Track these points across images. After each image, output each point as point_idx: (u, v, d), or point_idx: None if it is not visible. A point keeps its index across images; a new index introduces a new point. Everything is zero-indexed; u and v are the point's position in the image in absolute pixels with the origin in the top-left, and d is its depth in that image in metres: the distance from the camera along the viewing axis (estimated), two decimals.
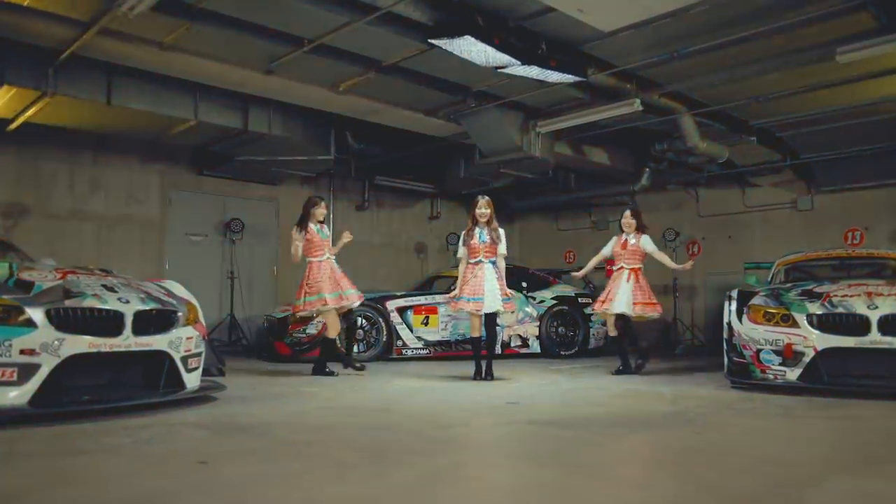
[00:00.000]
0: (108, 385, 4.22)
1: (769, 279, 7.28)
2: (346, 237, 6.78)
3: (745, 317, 5.68)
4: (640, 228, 6.89)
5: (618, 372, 6.76)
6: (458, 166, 10.23)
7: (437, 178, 11.69)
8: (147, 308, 4.17)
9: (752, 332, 5.53)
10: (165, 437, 3.30)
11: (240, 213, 10.73)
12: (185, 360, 4.39)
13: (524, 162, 8.99)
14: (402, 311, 8.64)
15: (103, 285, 4.19)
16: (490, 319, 6.24)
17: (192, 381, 4.47)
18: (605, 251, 7.08)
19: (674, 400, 4.87)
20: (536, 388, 5.74)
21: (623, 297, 6.62)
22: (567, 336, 9.54)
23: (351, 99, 7.76)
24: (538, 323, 9.30)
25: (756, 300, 5.78)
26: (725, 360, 5.74)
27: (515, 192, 12.60)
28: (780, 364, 5.28)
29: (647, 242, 6.85)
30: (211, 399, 4.64)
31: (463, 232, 6.38)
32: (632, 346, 6.93)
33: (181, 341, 4.35)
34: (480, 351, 6.33)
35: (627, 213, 7.00)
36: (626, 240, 6.89)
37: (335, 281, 6.42)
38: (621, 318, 6.75)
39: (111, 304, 4.00)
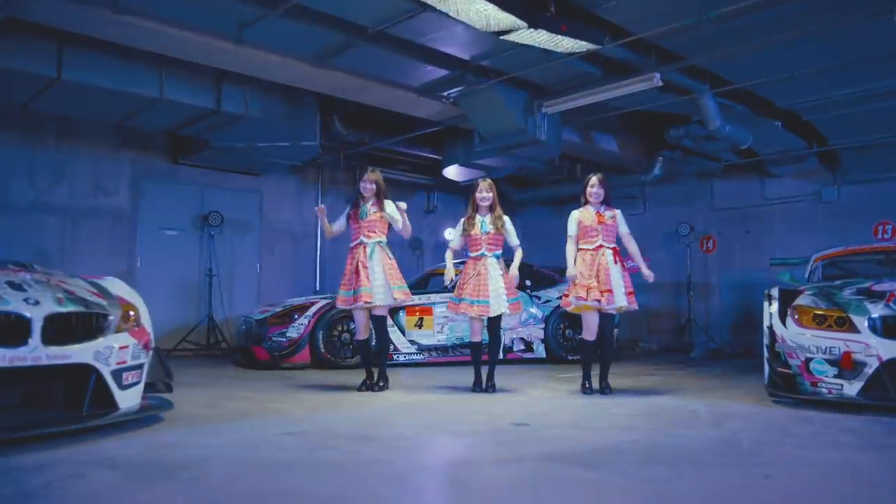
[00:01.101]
0: (17, 407, 3.40)
1: (806, 276, 6.47)
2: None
3: (789, 319, 4.86)
4: (609, 201, 5.56)
5: (586, 391, 5.32)
6: (455, 154, 9.39)
7: (433, 168, 10.85)
8: (63, 311, 3.34)
9: (799, 337, 4.71)
10: (59, 484, 2.47)
11: (219, 204, 9.88)
12: (117, 374, 3.56)
13: (528, 147, 8.15)
14: (393, 311, 7.80)
15: (9, 282, 3.35)
16: (494, 322, 5.45)
17: (128, 399, 3.64)
18: (572, 230, 5.44)
19: (714, 421, 4.05)
20: (545, 402, 4.92)
21: (620, 287, 5.27)
22: (574, 339, 8.70)
23: (335, 75, 6.92)
24: (543, 325, 8.49)
25: (802, 300, 4.96)
26: (766, 369, 4.91)
27: (517, 182, 11.77)
28: (836, 376, 4.45)
29: (622, 220, 5.47)
30: (154, 421, 3.82)
31: (462, 220, 5.56)
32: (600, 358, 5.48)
33: (112, 351, 3.52)
34: (481, 358, 5.53)
35: (595, 179, 5.45)
36: (599, 212, 5.42)
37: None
38: (606, 318, 5.33)
39: (14, 305, 3.17)
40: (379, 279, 5.28)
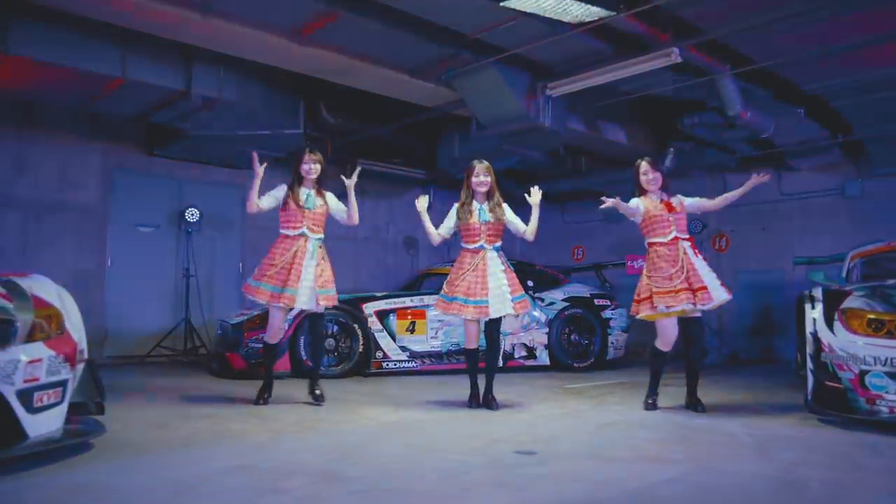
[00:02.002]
0: None
1: (843, 275, 5.78)
2: None
3: (838, 325, 4.17)
4: (667, 186, 4.87)
5: (649, 407, 4.68)
6: (451, 144, 8.69)
7: (428, 161, 10.15)
8: None
9: (851, 345, 4.03)
10: None
11: (198, 200, 9.16)
12: (25, 394, 2.87)
13: (531, 135, 7.45)
14: (382, 315, 7.11)
15: None
16: (492, 326, 4.75)
17: (42, 425, 2.95)
18: (637, 205, 4.68)
19: (759, 448, 3.35)
20: (554, 422, 4.22)
21: (713, 280, 4.52)
22: (581, 345, 8.01)
23: (315, 52, 6.21)
24: (547, 329, 7.78)
25: (853, 302, 4.27)
26: (810, 382, 4.21)
27: (518, 177, 11.04)
28: None
29: (691, 200, 4.80)
30: (80, 451, 3.13)
31: (456, 205, 4.85)
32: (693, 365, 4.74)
33: (16, 367, 2.82)
34: (477, 367, 4.83)
35: (645, 164, 4.75)
36: (664, 200, 4.72)
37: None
38: (694, 320, 4.63)
39: None
40: (309, 282, 4.68)
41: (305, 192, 4.87)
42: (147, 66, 6.42)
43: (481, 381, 4.78)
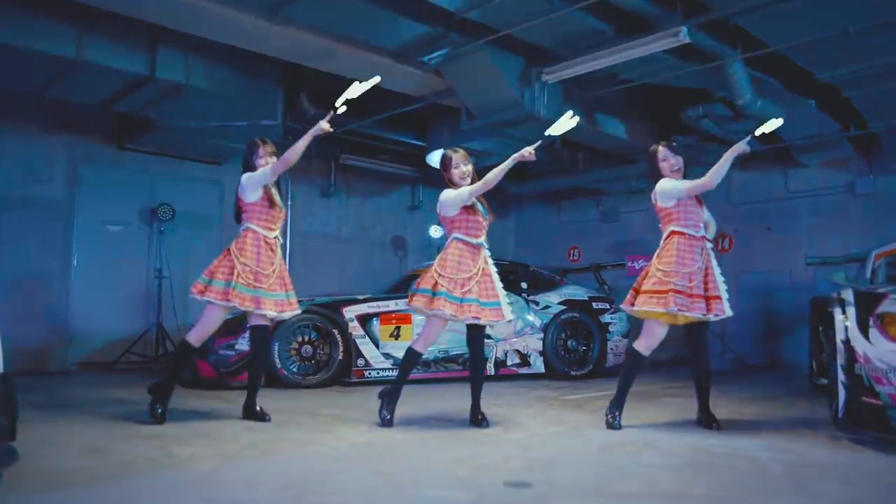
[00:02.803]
0: None
1: (867, 276, 5.28)
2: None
3: (875, 332, 3.67)
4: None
5: (612, 425, 4.07)
6: (440, 138, 8.16)
7: (418, 157, 9.61)
8: None
9: (891, 356, 3.53)
10: None
11: (172, 196, 8.62)
12: None
13: (525, 126, 6.93)
14: (364, 319, 6.58)
15: None
16: (481, 332, 4.21)
17: None
18: (675, 185, 4.08)
19: (792, 478, 2.84)
20: (551, 443, 3.70)
21: (725, 292, 4.10)
22: (578, 351, 7.50)
23: (292, 33, 5.71)
24: (542, 334, 7.26)
25: (890, 306, 3.77)
26: (841, 397, 3.70)
27: (512, 174, 10.50)
28: None
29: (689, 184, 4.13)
30: None
31: (452, 192, 4.12)
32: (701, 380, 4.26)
33: None
34: (409, 370, 4.21)
35: (663, 148, 4.22)
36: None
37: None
38: (701, 328, 4.17)
39: None
40: (281, 284, 4.28)
41: (273, 191, 4.36)
42: (106, 48, 5.88)
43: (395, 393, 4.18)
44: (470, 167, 4.16)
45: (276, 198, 4.35)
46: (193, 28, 5.68)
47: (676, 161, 4.18)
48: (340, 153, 9.65)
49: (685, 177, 4.27)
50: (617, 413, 4.12)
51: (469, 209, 4.10)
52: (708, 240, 4.16)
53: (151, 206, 8.57)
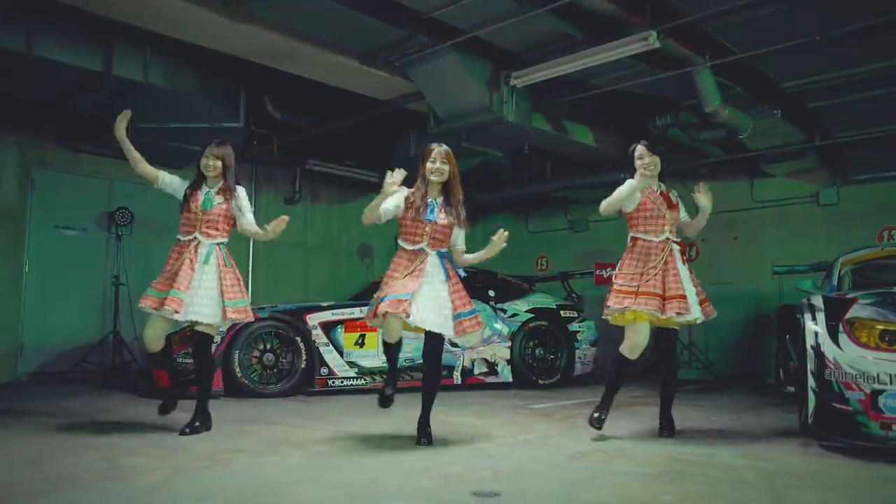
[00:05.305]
0: None
1: (833, 283, 5.26)
2: None
3: (844, 337, 3.62)
4: (665, 178, 4.33)
5: (594, 422, 3.98)
6: (406, 142, 8.05)
7: (384, 163, 9.45)
8: None
9: (861, 361, 3.48)
10: None
11: (130, 200, 8.33)
12: None
13: (493, 130, 6.84)
14: (328, 327, 6.41)
15: None
16: (435, 340, 3.85)
17: None
18: (626, 193, 4.04)
19: (768, 486, 2.75)
20: (519, 452, 3.58)
21: (693, 294, 4.01)
22: (546, 360, 7.40)
23: (255, 31, 5.55)
24: (510, 343, 7.16)
25: (860, 311, 3.74)
26: (811, 403, 3.64)
27: (480, 183, 10.45)
28: None
29: (684, 211, 4.29)
30: None
31: (407, 191, 3.92)
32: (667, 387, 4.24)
33: None
34: (397, 362, 4.02)
35: (641, 147, 4.16)
36: (664, 192, 4.20)
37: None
38: (669, 332, 4.13)
39: None
40: (207, 292, 4.00)
41: (205, 191, 4.15)
42: (56, 42, 5.63)
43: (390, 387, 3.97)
44: (447, 167, 3.87)
45: (191, 201, 4.13)
46: (150, 23, 5.48)
47: (651, 160, 4.12)
48: (307, 159, 9.46)
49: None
50: (599, 414, 4.03)
51: (413, 217, 3.86)
52: (675, 241, 4.09)
53: (109, 210, 8.30)
